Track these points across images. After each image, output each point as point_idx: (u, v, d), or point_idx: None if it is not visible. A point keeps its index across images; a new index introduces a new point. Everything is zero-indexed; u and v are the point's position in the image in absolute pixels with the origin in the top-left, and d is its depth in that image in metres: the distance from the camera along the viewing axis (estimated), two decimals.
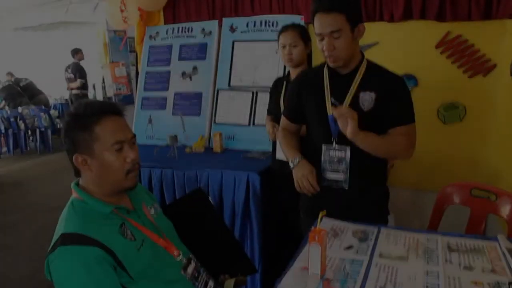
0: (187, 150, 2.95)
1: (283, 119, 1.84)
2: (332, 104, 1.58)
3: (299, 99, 1.70)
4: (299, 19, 2.85)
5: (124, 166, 1.23)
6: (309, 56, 2.34)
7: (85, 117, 1.19)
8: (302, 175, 1.60)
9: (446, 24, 2.56)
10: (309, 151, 1.69)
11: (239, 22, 3.17)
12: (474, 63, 2.53)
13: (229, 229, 1.66)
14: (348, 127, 1.45)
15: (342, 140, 1.57)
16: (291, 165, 1.65)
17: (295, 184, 1.64)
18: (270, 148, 2.46)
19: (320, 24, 1.50)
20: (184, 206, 1.56)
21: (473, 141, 2.59)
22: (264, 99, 2.86)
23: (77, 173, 1.27)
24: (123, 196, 1.31)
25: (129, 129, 1.26)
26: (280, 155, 2.19)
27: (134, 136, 1.27)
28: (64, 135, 1.22)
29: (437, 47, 2.61)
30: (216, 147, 2.92)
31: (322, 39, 1.52)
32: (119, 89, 3.93)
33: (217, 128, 3.09)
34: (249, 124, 3.01)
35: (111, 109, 1.23)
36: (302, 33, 2.21)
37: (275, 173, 2.37)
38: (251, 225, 2.40)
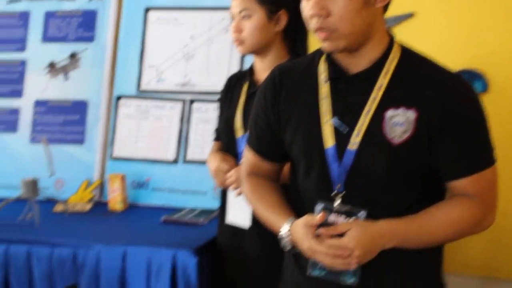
0: (58, 209, 2.41)
1: (248, 155, 1.53)
2: (336, 129, 1.28)
3: (276, 116, 1.42)
4: None
5: None
6: (292, 39, 1.93)
7: None
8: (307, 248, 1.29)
9: None
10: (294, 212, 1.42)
11: None
12: None
13: None
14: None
15: (354, 194, 1.27)
16: (284, 242, 1.31)
17: None
18: (215, 205, 2.13)
19: None
20: None
21: None
22: (206, 115, 2.49)
23: None
24: None
25: None
26: (234, 217, 1.85)
27: None
28: None
29: None
30: (115, 202, 2.40)
31: None
32: None
33: (117, 168, 2.52)
34: (175, 161, 2.49)
35: None
36: None
37: (225, 251, 2.00)
38: None
